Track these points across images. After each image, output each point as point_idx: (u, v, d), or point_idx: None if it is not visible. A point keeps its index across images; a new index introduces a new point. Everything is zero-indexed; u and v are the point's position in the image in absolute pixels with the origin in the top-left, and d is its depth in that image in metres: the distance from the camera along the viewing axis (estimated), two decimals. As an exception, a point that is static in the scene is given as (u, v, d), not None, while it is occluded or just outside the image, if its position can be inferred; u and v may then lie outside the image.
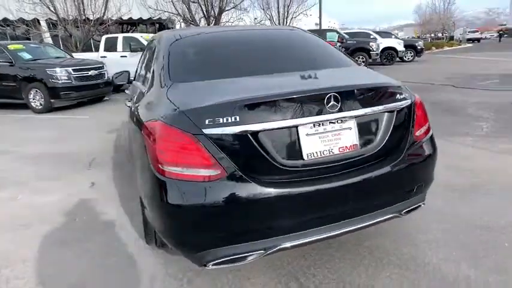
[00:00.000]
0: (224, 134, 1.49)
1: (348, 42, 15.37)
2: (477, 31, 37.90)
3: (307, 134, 1.60)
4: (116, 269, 2.14)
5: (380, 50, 15.91)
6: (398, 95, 1.81)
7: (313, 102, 1.59)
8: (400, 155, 1.77)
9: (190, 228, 1.53)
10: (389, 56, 16.63)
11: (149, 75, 2.36)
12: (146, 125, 1.70)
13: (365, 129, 1.72)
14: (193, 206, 1.48)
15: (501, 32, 31.76)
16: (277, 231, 1.56)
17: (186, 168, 1.50)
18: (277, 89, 1.61)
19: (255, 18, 20.07)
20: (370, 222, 1.72)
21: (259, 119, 1.52)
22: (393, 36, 18.90)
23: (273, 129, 1.53)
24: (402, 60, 17.19)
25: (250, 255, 1.55)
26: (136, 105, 2.22)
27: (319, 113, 1.60)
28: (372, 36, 16.95)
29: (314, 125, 1.61)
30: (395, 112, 1.78)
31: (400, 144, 1.80)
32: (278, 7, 19.46)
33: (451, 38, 33.18)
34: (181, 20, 17.22)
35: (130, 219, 2.75)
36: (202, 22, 17.13)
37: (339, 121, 1.65)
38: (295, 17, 20.19)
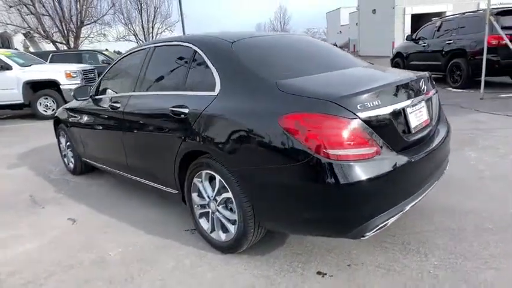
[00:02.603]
0: (373, 116, 1.74)
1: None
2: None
3: (410, 112, 1.99)
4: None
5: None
6: (433, 81, 2.40)
7: (410, 88, 2.01)
8: (446, 124, 2.36)
9: (358, 204, 1.70)
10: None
11: (200, 80, 2.29)
12: (288, 117, 1.74)
13: (428, 107, 2.23)
14: (361, 183, 1.66)
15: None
16: (408, 194, 1.89)
17: (349, 150, 1.67)
18: (388, 79, 1.95)
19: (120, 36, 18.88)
20: (439, 179, 2.23)
21: (390, 102, 1.83)
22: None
23: (397, 109, 1.87)
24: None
25: (392, 218, 1.82)
26: (213, 110, 2.11)
27: (411, 96, 2.02)
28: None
29: (412, 105, 2.01)
30: (437, 93, 2.36)
31: (442, 117, 2.39)
32: (142, 22, 18.86)
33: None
34: (29, 35, 14.78)
35: (183, 235, 2.53)
36: (59, 37, 15.13)
37: (420, 101, 2.10)
38: (160, 33, 19.97)
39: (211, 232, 2.33)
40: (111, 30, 19.20)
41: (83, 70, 9.17)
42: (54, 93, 8.69)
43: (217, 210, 2.22)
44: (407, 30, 22.85)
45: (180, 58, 2.52)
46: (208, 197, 2.27)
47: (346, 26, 43.80)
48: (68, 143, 4.08)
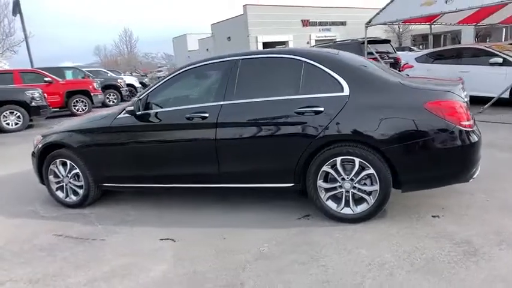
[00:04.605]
0: (466, 102, 2.70)
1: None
2: (162, 71, 45.43)
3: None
4: None
5: (123, 87, 16.42)
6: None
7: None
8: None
9: (474, 155, 2.61)
10: (130, 92, 17.51)
11: (320, 84, 2.78)
12: (431, 104, 2.51)
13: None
14: (477, 141, 2.60)
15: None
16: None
17: (467, 121, 2.57)
18: (457, 81, 2.96)
19: None
20: None
21: (465, 94, 2.84)
22: (122, 74, 19.89)
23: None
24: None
25: (479, 168, 2.81)
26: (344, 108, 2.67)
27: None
28: (109, 74, 17.22)
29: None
30: None
31: None
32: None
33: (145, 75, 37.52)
34: None
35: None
36: None
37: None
38: (1, 53, 16.66)
39: (342, 209, 2.80)
40: None
41: None
42: None
43: (354, 187, 2.74)
44: (261, 55, 26.19)
45: (286, 68, 2.93)
46: (342, 179, 2.75)
47: (195, 52, 45.84)
48: (75, 171, 3.54)
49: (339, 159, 2.73)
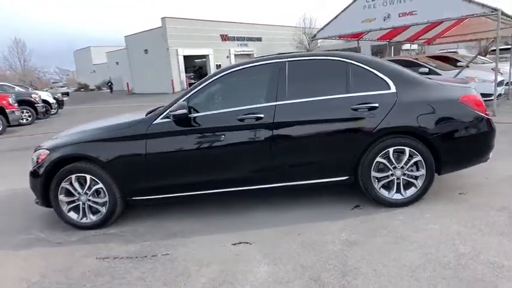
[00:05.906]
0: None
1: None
2: (65, 86, 40.66)
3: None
4: None
5: (37, 103, 14.42)
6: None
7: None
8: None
9: (493, 139, 3.16)
10: (45, 108, 15.49)
11: (367, 83, 3.07)
12: (464, 98, 3.00)
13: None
14: (495, 129, 3.15)
15: (110, 85, 36.13)
16: None
17: (486, 111, 3.15)
18: (467, 81, 3.55)
19: None
20: None
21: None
22: (30, 89, 17.52)
23: None
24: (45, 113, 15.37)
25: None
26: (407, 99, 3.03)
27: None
28: (16, 89, 15.01)
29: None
30: None
31: None
32: None
33: (66, 93, 32.84)
34: None
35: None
36: None
37: None
38: None
39: (393, 195, 3.11)
40: None
41: None
42: None
43: (404, 174, 3.07)
44: (182, 68, 25.82)
45: (333, 69, 3.15)
46: (394, 167, 3.06)
47: (102, 65, 42.58)
48: (97, 186, 3.14)
49: (391, 150, 3.04)
